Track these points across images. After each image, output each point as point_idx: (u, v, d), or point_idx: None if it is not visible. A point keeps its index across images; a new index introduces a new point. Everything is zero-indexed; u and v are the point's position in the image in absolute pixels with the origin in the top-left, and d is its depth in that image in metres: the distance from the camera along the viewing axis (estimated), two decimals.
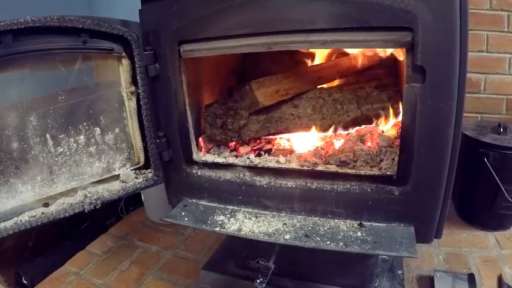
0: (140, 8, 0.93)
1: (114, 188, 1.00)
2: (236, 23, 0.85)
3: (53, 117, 0.90)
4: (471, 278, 1.13)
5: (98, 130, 0.97)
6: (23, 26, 0.77)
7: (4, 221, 0.84)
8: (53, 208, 0.91)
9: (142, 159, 1.04)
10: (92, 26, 0.87)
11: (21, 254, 1.39)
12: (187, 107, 0.99)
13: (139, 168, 1.05)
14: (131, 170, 1.03)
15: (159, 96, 0.98)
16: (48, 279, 1.34)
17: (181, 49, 0.93)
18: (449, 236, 1.41)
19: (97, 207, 0.95)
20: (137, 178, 1.03)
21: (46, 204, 0.91)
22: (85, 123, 0.95)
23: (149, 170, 1.04)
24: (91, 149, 0.97)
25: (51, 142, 0.91)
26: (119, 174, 1.01)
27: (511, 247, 1.36)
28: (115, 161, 1.02)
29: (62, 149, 0.92)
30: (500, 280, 1.16)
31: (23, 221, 0.86)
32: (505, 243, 1.38)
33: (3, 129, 0.83)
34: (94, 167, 0.98)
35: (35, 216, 0.88)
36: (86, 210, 0.94)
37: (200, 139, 1.10)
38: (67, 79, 0.91)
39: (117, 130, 1.00)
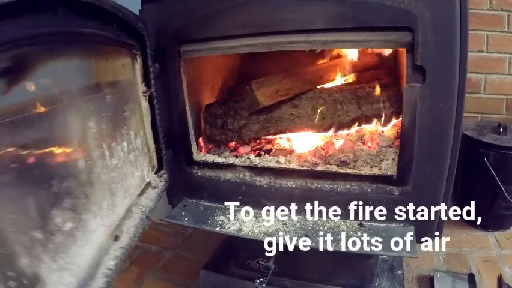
0: (140, 8, 0.93)
1: (152, 196, 0.88)
2: (236, 23, 0.85)
3: (105, 121, 0.72)
4: (471, 278, 1.13)
5: (132, 134, 0.83)
6: None
7: (93, 282, 0.62)
8: (124, 239, 0.73)
9: (155, 161, 0.97)
10: (125, 16, 0.73)
11: None
12: (187, 107, 0.99)
13: (157, 171, 0.97)
14: (154, 173, 0.95)
15: (159, 96, 0.98)
16: None
17: (181, 49, 0.93)
18: (449, 236, 1.41)
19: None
20: (160, 181, 0.95)
21: (117, 238, 0.72)
22: (125, 127, 0.80)
23: (163, 171, 0.98)
24: (131, 156, 0.82)
25: (108, 153, 0.72)
26: (150, 181, 0.92)
27: (511, 247, 1.36)
28: (144, 167, 0.90)
29: (115, 161, 0.75)
30: (500, 280, 1.16)
31: (110, 270, 0.65)
32: (505, 243, 1.38)
33: (68, 141, 0.61)
34: (135, 177, 0.84)
35: (116, 256, 0.68)
36: (146, 228, 0.80)
37: (200, 139, 1.10)
38: (101, 75, 0.75)
39: (141, 133, 0.89)
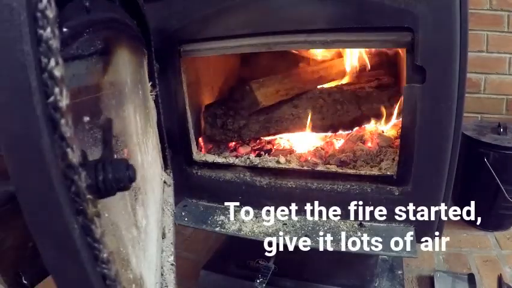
0: None
1: (171, 194, 0.88)
2: (236, 23, 0.85)
3: (143, 116, 0.69)
4: (471, 278, 1.13)
5: (151, 131, 0.81)
6: None
7: (166, 278, 0.63)
8: (169, 236, 0.74)
9: (161, 160, 0.95)
10: (145, 13, 0.70)
11: (21, 254, 1.39)
12: (187, 107, 0.99)
13: (164, 170, 0.96)
14: (164, 172, 0.94)
15: (159, 96, 0.98)
16: (49, 279, 1.34)
17: (181, 49, 0.93)
18: (449, 236, 1.40)
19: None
20: (170, 179, 0.95)
21: (164, 235, 0.73)
22: (149, 124, 0.78)
23: (169, 170, 0.97)
24: (154, 154, 0.80)
25: (147, 149, 0.70)
26: (164, 179, 0.91)
27: (511, 247, 1.36)
28: (159, 164, 0.88)
29: (150, 158, 0.71)
30: (500, 280, 1.16)
31: (174, 265, 0.67)
32: (505, 243, 1.38)
33: (131, 132, 0.58)
34: (157, 175, 0.82)
35: (172, 251, 0.69)
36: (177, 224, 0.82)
37: (200, 139, 1.10)
38: (134, 70, 0.71)
39: (154, 131, 0.86)
